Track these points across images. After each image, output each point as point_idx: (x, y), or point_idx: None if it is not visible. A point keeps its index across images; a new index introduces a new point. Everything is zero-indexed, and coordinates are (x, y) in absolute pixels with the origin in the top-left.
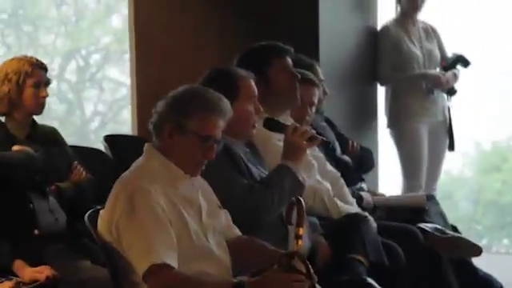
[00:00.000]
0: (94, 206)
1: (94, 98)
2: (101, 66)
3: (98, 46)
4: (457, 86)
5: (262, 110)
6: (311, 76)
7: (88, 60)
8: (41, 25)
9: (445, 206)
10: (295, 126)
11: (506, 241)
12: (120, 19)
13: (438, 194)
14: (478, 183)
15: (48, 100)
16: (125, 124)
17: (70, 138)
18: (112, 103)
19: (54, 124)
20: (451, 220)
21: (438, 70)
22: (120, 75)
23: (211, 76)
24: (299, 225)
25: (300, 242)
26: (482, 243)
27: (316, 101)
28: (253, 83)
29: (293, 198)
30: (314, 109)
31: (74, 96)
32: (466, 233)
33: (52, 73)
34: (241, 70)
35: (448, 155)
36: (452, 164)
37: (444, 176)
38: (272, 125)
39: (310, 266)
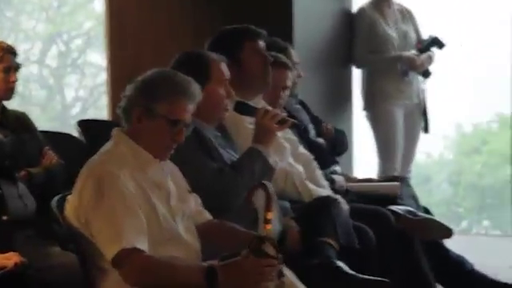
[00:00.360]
0: (66, 191)
1: (75, 84)
2: (82, 51)
3: (79, 31)
4: (433, 68)
5: (233, 94)
6: (284, 59)
7: (69, 45)
8: (22, 10)
9: (425, 188)
10: (266, 109)
11: (486, 222)
12: (102, 4)
13: (419, 177)
14: (458, 166)
15: (29, 86)
16: (106, 109)
17: (51, 124)
18: (93, 88)
19: (35, 110)
20: (432, 203)
21: (413, 52)
22: (101, 60)
23: (182, 59)
24: (268, 209)
25: (269, 226)
26: (462, 225)
27: (289, 84)
28: (224, 67)
29: (256, 182)
30: (287, 92)
31: (55, 81)
32: (447, 215)
33: (33, 58)
34: (212, 53)
35: (429, 138)
36: (433, 147)
37: (425, 159)
38: (242, 108)
39: (279, 250)
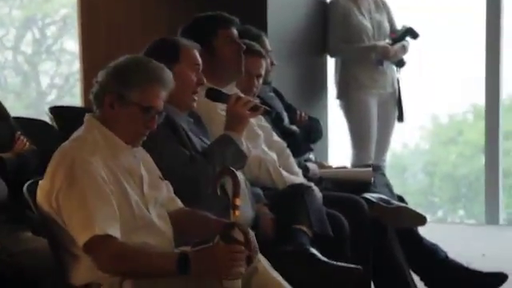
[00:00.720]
0: (39, 177)
1: (50, 71)
2: (57, 38)
3: (54, 17)
4: (408, 58)
5: (205, 81)
6: (258, 47)
7: (44, 31)
8: None
9: (402, 178)
10: (238, 96)
11: (461, 212)
12: None
13: (395, 167)
14: (434, 156)
15: (4, 72)
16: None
17: (27, 111)
18: (69, 76)
19: (10, 97)
20: (408, 192)
21: (387, 41)
22: (77, 48)
23: (154, 45)
24: (235, 195)
25: (237, 212)
26: (438, 215)
27: (263, 72)
28: (196, 53)
29: (220, 168)
30: (261, 80)
31: (30, 68)
32: (423, 205)
33: (7, 44)
34: (184, 39)
35: (405, 128)
36: (409, 137)
37: (401, 149)
38: (214, 95)
39: (249, 236)
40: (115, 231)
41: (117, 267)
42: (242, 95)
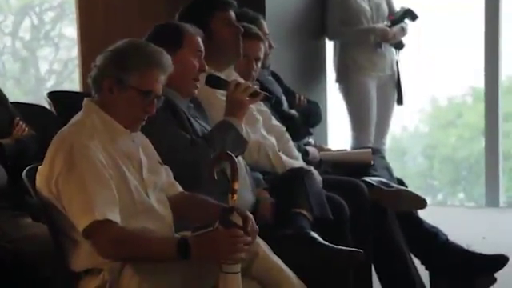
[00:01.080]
0: (38, 162)
1: (49, 57)
2: (55, 24)
3: (52, 3)
4: (407, 40)
5: (206, 67)
6: (256, 30)
7: (42, 17)
8: None
9: (401, 161)
10: (237, 82)
11: (461, 195)
12: None
13: (395, 150)
14: (433, 139)
15: (2, 58)
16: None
17: (26, 97)
18: (67, 61)
19: (9, 83)
20: (408, 175)
21: (385, 23)
22: (75, 33)
23: (157, 30)
24: (234, 179)
25: (235, 196)
26: (438, 198)
27: (262, 56)
28: (199, 39)
29: (218, 152)
30: (259, 64)
31: (29, 54)
32: (422, 188)
33: (6, 30)
34: (188, 25)
35: (404, 111)
36: (408, 120)
37: (401, 132)
38: (214, 81)
39: (248, 220)
40: (115, 216)
41: (117, 252)
42: (242, 81)
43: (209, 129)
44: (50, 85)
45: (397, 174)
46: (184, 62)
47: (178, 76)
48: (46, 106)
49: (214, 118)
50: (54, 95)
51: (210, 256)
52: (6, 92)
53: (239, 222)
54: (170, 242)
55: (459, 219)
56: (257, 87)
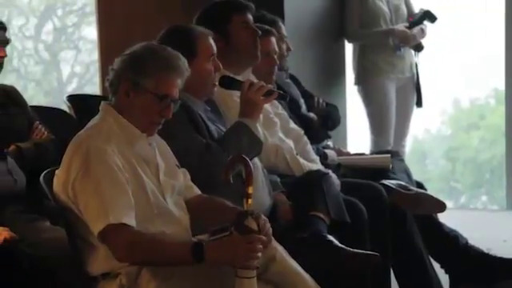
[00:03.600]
0: (56, 166)
1: (70, 60)
2: (77, 27)
3: (73, 6)
4: (426, 42)
5: (221, 67)
6: (266, 27)
7: (64, 21)
8: None
9: (423, 164)
10: (251, 82)
11: (483, 198)
12: None
13: (417, 152)
14: (456, 141)
15: (24, 61)
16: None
17: (47, 100)
18: (89, 64)
19: (31, 85)
20: (430, 178)
21: (405, 25)
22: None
23: (169, 34)
24: (248, 183)
25: (250, 200)
26: (460, 201)
27: (277, 48)
28: (211, 41)
29: (233, 156)
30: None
31: (51, 57)
32: (445, 191)
33: (27, 33)
34: (199, 27)
35: (426, 113)
36: (430, 122)
37: (423, 134)
38: (227, 82)
39: (264, 224)
40: (130, 220)
41: (132, 256)
42: (256, 81)
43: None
44: (72, 88)
45: (419, 176)
46: (200, 70)
47: (196, 83)
48: (66, 109)
49: (231, 121)
50: (73, 99)
51: (225, 261)
52: (27, 95)
53: (254, 226)
54: (185, 245)
55: (480, 222)
56: (271, 86)
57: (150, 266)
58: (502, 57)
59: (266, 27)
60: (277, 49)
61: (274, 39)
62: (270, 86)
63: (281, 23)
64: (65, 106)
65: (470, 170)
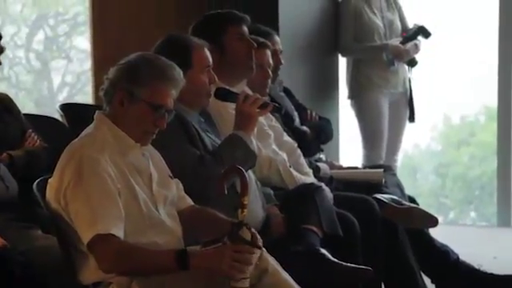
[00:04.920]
0: (49, 174)
1: (61, 69)
2: (69, 37)
3: (65, 15)
4: (419, 58)
5: (216, 79)
6: (262, 39)
7: (56, 30)
8: None
9: (413, 179)
10: (246, 94)
11: (472, 214)
12: None
13: (407, 168)
14: (446, 157)
15: (16, 70)
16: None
17: (38, 109)
18: (80, 74)
19: (22, 94)
20: (420, 193)
21: (399, 40)
22: (88, 46)
23: (165, 43)
24: (243, 194)
25: (245, 211)
26: (450, 216)
27: (271, 60)
28: (207, 52)
29: (228, 167)
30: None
31: (42, 66)
32: (434, 206)
33: (19, 42)
34: (195, 38)
35: (416, 129)
36: (420, 138)
37: (412, 149)
38: (222, 94)
39: (255, 236)
40: (118, 231)
41: (118, 266)
42: (251, 93)
43: (219, 143)
44: (63, 97)
45: (409, 191)
46: (195, 82)
47: (191, 94)
48: (59, 118)
49: (225, 132)
50: (66, 107)
51: (209, 268)
52: (18, 103)
53: (248, 237)
54: (169, 253)
55: (470, 238)
56: (266, 98)
57: (137, 276)
58: (493, 74)
59: (261, 40)
60: (271, 61)
61: (268, 52)
62: (264, 98)
63: (276, 36)
64: (57, 115)
65: (459, 186)
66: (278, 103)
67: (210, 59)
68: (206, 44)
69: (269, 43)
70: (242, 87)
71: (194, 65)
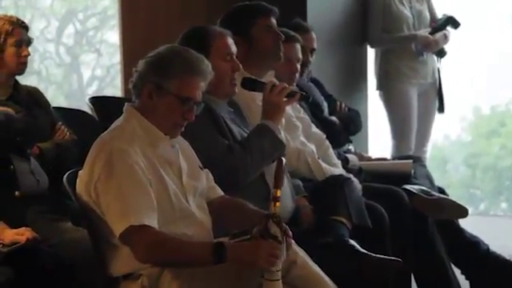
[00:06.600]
0: (79, 167)
1: (91, 63)
2: (98, 30)
3: (95, 9)
4: (449, 48)
5: (240, 67)
6: (292, 33)
7: (85, 23)
8: None
9: (443, 170)
10: (273, 84)
11: (504, 205)
12: None
13: (436, 159)
14: (476, 148)
15: (46, 64)
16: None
17: (68, 102)
18: (110, 67)
19: (52, 88)
20: (450, 184)
21: (427, 31)
22: (118, 39)
23: (186, 33)
24: (277, 186)
25: (277, 204)
26: (480, 207)
27: (301, 55)
28: (229, 40)
29: (267, 158)
30: (298, 65)
31: (72, 60)
32: (464, 197)
33: (49, 36)
34: (216, 27)
35: (446, 120)
36: (450, 128)
37: (443, 140)
38: (249, 84)
39: (285, 229)
40: (152, 221)
41: (153, 257)
42: (277, 83)
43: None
44: (92, 90)
45: (438, 182)
46: (215, 68)
47: (213, 82)
48: (88, 111)
49: (253, 123)
50: (95, 100)
51: (246, 262)
52: (48, 97)
53: (276, 231)
54: (207, 245)
55: (502, 229)
56: (293, 87)
57: (172, 266)
58: None
59: (292, 33)
60: (300, 56)
61: (298, 46)
62: (292, 87)
63: (312, 33)
64: (87, 108)
65: (489, 176)
66: (306, 92)
67: (233, 47)
68: (228, 33)
69: (299, 37)
70: (269, 77)
71: (211, 51)
